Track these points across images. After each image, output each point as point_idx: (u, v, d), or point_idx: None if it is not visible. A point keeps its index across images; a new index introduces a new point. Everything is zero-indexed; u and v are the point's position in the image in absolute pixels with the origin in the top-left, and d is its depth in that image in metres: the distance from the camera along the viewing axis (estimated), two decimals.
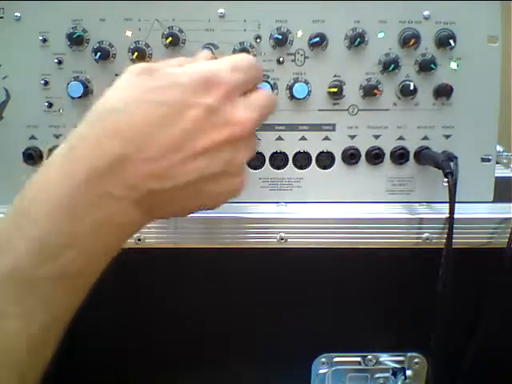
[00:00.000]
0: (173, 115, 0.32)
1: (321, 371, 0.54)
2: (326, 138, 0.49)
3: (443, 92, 0.48)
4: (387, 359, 0.54)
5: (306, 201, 0.50)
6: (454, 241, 0.45)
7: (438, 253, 0.46)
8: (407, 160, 0.50)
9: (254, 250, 0.48)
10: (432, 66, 0.48)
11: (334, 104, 0.49)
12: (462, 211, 0.46)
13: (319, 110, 0.49)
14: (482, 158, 0.50)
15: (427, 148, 0.49)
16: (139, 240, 0.46)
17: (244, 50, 0.47)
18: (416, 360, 0.54)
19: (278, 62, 0.48)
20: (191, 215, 0.37)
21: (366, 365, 0.54)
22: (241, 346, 0.53)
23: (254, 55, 0.48)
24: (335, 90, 0.48)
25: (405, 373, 0.54)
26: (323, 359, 0.54)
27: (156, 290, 0.51)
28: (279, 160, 0.50)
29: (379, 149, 0.49)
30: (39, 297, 0.30)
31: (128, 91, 0.33)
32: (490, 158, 0.50)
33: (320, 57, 0.48)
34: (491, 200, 0.51)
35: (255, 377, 0.54)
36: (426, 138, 0.50)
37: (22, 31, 0.47)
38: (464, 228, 0.47)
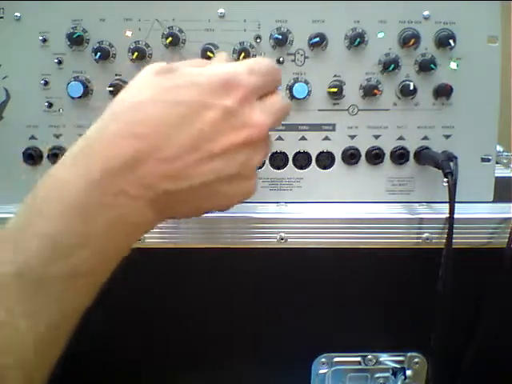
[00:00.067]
0: (190, 115, 0.32)
1: (321, 371, 0.54)
2: (326, 138, 0.49)
3: (443, 92, 0.48)
4: (387, 359, 0.54)
5: (305, 201, 0.50)
6: (454, 241, 0.45)
7: (438, 253, 0.46)
8: (407, 160, 0.50)
9: (253, 250, 0.48)
10: (432, 65, 0.48)
11: (334, 104, 0.49)
12: (462, 211, 0.46)
13: (319, 110, 0.49)
14: (481, 158, 0.50)
15: (427, 148, 0.49)
16: (139, 240, 0.46)
17: (244, 50, 0.47)
18: (416, 360, 0.54)
19: (278, 62, 0.48)
20: None
21: (366, 365, 0.54)
22: (241, 346, 0.53)
23: (254, 55, 0.48)
24: (335, 90, 0.48)
25: (405, 373, 0.54)
26: (323, 359, 0.54)
27: (156, 289, 0.51)
28: (279, 160, 0.50)
29: (379, 149, 0.49)
30: (49, 295, 0.29)
31: (145, 90, 0.33)
32: (490, 158, 0.50)
33: (320, 57, 0.48)
34: (491, 200, 0.51)
35: (255, 377, 0.54)
36: (426, 138, 0.50)
37: (22, 31, 0.47)
38: (464, 228, 0.47)
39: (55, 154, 0.48)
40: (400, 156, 0.50)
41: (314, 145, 0.50)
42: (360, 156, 0.50)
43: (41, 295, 0.29)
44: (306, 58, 0.48)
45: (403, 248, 0.48)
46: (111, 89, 0.47)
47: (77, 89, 0.47)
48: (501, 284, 0.48)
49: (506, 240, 0.47)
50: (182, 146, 0.31)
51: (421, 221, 0.47)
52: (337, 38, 0.48)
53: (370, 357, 0.54)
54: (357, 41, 0.47)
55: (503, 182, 0.54)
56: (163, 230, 0.47)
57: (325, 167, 0.50)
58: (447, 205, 0.45)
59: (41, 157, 0.49)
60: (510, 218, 0.47)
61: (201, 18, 0.47)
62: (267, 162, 0.50)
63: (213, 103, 0.32)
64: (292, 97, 0.48)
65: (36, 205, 0.31)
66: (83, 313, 0.32)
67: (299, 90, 0.48)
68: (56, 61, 0.47)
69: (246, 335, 0.52)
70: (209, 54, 0.47)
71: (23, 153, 0.49)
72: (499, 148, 0.64)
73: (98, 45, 0.47)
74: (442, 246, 0.46)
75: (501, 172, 0.59)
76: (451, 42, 0.47)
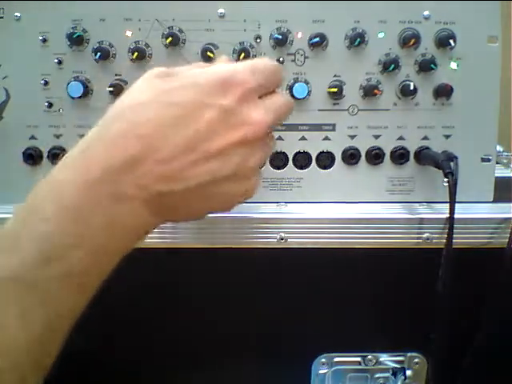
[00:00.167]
0: (186, 116, 0.32)
1: (321, 371, 0.54)
2: (326, 138, 0.49)
3: (443, 92, 0.48)
4: (387, 359, 0.54)
5: (306, 201, 0.50)
6: (454, 241, 0.45)
7: (438, 253, 0.46)
8: (407, 160, 0.50)
9: (254, 250, 0.48)
10: (432, 65, 0.48)
11: (334, 104, 0.49)
12: (462, 211, 0.46)
13: (319, 110, 0.49)
14: (481, 158, 0.50)
15: (427, 148, 0.49)
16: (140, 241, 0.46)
17: (244, 50, 0.47)
18: (416, 360, 0.54)
19: (278, 61, 0.48)
20: None
21: (366, 365, 0.54)
22: (241, 346, 0.53)
23: (254, 55, 0.48)
24: (335, 90, 0.48)
25: (405, 373, 0.54)
26: (323, 359, 0.54)
27: (155, 289, 0.51)
28: (279, 160, 0.50)
29: (379, 149, 0.49)
30: (43, 296, 0.29)
31: (144, 93, 0.33)
32: (490, 158, 0.50)
33: (320, 57, 0.48)
34: (491, 200, 0.51)
35: (255, 377, 0.54)
36: (426, 137, 0.50)
37: (22, 31, 0.47)
38: (464, 228, 0.47)
39: (55, 154, 0.48)
40: (400, 156, 0.50)
41: (314, 145, 0.50)
42: (360, 156, 0.50)
43: (35, 295, 0.29)
44: (306, 57, 0.48)
45: (403, 248, 0.48)
46: (111, 89, 0.47)
47: (77, 89, 0.47)
48: (501, 284, 0.48)
49: (506, 240, 0.47)
50: (178, 146, 0.31)
51: (421, 221, 0.47)
52: (337, 38, 0.48)
53: (369, 357, 0.54)
54: (357, 41, 0.47)
55: (503, 182, 0.54)
56: (163, 230, 0.47)
57: (325, 167, 0.50)
58: (447, 205, 0.45)
59: (41, 157, 0.49)
60: (510, 218, 0.47)
61: (201, 18, 0.47)
62: (267, 161, 0.50)
63: (209, 103, 0.32)
64: (292, 97, 0.48)
65: (33, 205, 0.31)
66: (81, 313, 0.32)
67: (299, 90, 0.48)
68: (56, 61, 0.47)
69: (246, 335, 0.52)
70: (209, 54, 0.47)
71: (23, 153, 0.49)
72: (499, 148, 0.64)
73: (98, 45, 0.47)
74: (442, 246, 0.46)
75: (501, 172, 0.59)
76: (451, 42, 0.47)
